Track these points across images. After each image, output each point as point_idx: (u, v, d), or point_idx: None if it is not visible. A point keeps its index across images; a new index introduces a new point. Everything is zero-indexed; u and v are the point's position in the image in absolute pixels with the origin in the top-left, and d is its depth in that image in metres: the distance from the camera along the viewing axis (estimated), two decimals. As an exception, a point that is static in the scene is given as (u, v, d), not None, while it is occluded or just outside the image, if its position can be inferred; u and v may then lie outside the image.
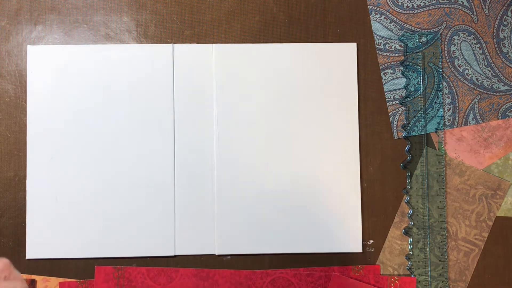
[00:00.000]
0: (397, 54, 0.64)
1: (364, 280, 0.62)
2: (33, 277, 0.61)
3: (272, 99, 0.63)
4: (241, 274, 0.62)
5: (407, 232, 0.62)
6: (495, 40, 0.65)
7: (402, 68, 0.64)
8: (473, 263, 0.63)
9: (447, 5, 0.65)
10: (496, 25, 0.65)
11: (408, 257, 0.62)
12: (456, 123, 0.64)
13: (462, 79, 0.64)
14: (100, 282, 0.61)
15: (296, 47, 0.64)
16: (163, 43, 0.64)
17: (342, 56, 0.64)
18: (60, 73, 0.63)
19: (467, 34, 0.65)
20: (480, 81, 0.64)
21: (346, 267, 0.62)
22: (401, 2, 0.65)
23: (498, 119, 0.64)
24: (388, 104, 0.64)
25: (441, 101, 0.64)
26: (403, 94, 0.64)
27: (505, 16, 0.65)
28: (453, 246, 0.63)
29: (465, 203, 0.63)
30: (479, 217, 0.63)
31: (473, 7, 0.65)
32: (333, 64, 0.64)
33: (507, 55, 0.65)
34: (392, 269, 0.63)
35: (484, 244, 0.63)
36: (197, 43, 0.64)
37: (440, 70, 0.64)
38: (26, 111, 0.62)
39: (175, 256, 0.62)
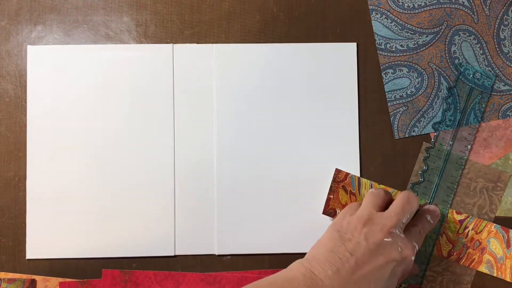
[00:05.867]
0: (398, 54, 0.64)
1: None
2: (33, 277, 0.61)
3: (272, 99, 0.63)
4: (248, 277, 0.62)
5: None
6: (495, 40, 0.65)
7: (447, 93, 0.64)
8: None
9: (448, 5, 0.65)
10: (496, 25, 0.65)
11: None
12: (456, 123, 0.63)
13: (462, 79, 0.64)
14: (107, 285, 0.61)
15: (296, 47, 0.64)
16: (163, 43, 0.64)
17: (342, 56, 0.64)
18: (60, 73, 0.63)
19: (467, 34, 0.65)
20: (480, 81, 0.64)
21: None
22: (402, 2, 0.65)
23: (498, 119, 0.64)
24: (388, 104, 0.64)
25: (442, 101, 0.64)
26: (404, 95, 0.64)
27: (505, 16, 0.65)
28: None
29: (466, 197, 0.63)
30: (481, 210, 0.63)
31: (474, 7, 0.65)
32: (333, 64, 0.64)
33: (508, 55, 0.64)
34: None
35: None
36: (197, 43, 0.64)
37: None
38: (26, 111, 0.62)
39: (175, 256, 0.62)
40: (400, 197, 0.55)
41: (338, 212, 0.60)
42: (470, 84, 0.64)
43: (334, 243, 0.52)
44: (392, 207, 0.55)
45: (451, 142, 0.63)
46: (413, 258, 0.53)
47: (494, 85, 0.64)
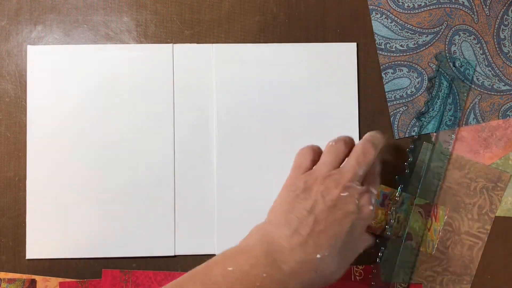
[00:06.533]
0: (398, 54, 0.64)
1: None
2: (33, 277, 0.61)
3: (272, 99, 0.63)
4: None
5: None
6: (495, 40, 0.65)
7: (428, 84, 0.64)
8: (477, 256, 0.63)
9: (448, 5, 0.65)
10: (496, 25, 0.65)
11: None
12: (456, 123, 0.64)
13: (463, 79, 0.64)
14: (107, 285, 0.61)
15: (296, 47, 0.64)
16: (163, 43, 0.64)
17: (342, 56, 0.64)
18: (60, 73, 0.63)
19: (467, 34, 0.65)
20: (480, 81, 0.64)
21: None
22: (401, 2, 0.65)
23: (498, 119, 0.64)
24: (388, 104, 0.64)
25: (442, 101, 0.64)
26: (404, 95, 0.64)
27: (505, 16, 0.65)
28: (457, 240, 0.63)
29: (466, 197, 0.63)
30: (481, 210, 0.63)
31: (474, 7, 0.65)
32: (333, 64, 0.64)
33: (508, 55, 0.64)
34: (397, 266, 0.62)
35: (486, 241, 0.63)
36: (197, 43, 0.64)
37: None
38: (26, 111, 0.62)
39: (175, 256, 0.62)
40: (354, 150, 0.55)
41: None
42: (469, 84, 0.64)
43: (291, 204, 0.52)
44: (348, 161, 0.54)
45: (448, 142, 0.63)
46: (370, 208, 0.52)
47: (494, 85, 0.64)
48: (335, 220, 0.50)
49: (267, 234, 0.51)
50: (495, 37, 0.65)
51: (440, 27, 0.65)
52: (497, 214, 0.63)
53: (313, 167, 0.55)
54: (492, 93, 0.64)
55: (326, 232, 0.50)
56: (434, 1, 0.65)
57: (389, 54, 0.64)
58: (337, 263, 0.50)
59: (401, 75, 0.64)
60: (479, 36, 0.65)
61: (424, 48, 0.64)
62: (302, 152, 0.56)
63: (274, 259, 0.49)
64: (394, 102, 0.64)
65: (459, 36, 0.65)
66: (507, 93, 0.64)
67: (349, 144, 0.56)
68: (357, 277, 0.62)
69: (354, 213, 0.51)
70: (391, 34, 0.65)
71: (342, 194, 0.51)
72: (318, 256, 0.49)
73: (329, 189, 0.51)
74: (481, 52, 0.64)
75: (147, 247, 0.62)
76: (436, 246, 0.62)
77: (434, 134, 0.63)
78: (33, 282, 0.61)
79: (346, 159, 0.55)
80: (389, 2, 0.65)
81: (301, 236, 0.49)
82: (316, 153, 0.56)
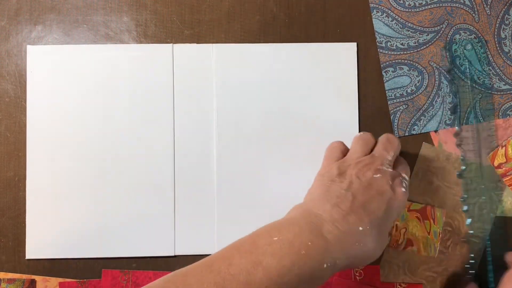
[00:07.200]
0: (398, 53, 0.64)
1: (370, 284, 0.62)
2: (33, 277, 0.61)
3: (272, 99, 0.63)
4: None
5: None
6: (496, 39, 0.64)
7: (448, 77, 0.64)
8: (478, 256, 0.63)
9: (449, 4, 0.65)
10: (497, 24, 0.65)
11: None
12: (457, 122, 0.63)
13: (463, 77, 0.64)
14: (107, 285, 0.61)
15: (296, 47, 0.64)
16: (163, 43, 0.64)
17: (342, 56, 0.64)
18: (60, 73, 0.63)
19: (468, 33, 0.64)
20: (481, 80, 0.64)
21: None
22: (403, 0, 0.65)
23: (498, 118, 0.64)
24: (389, 103, 0.64)
25: (442, 99, 0.64)
26: (405, 93, 0.64)
27: (506, 15, 0.65)
28: (457, 240, 0.63)
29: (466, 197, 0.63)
30: (481, 210, 0.63)
31: (475, 6, 0.65)
32: (333, 64, 0.64)
33: (508, 55, 0.64)
34: (397, 266, 0.62)
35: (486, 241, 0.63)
36: (197, 43, 0.64)
37: (443, 69, 0.64)
38: (26, 111, 0.62)
39: (175, 256, 0.62)
40: (380, 140, 0.57)
41: None
42: (470, 82, 0.64)
43: (327, 187, 0.53)
44: (376, 149, 0.56)
45: (449, 141, 0.63)
46: (403, 189, 0.53)
47: (495, 84, 0.64)
48: (372, 198, 0.52)
49: (308, 210, 0.52)
50: (495, 36, 0.64)
51: (441, 26, 0.64)
52: (497, 214, 0.63)
53: (344, 157, 0.57)
54: (493, 92, 0.64)
55: (365, 207, 0.51)
56: (435, 0, 0.65)
57: (389, 52, 0.64)
58: (377, 239, 0.51)
59: (402, 74, 0.64)
60: (479, 35, 0.64)
61: (424, 46, 0.64)
62: (332, 145, 0.59)
63: (318, 229, 0.50)
64: (394, 101, 0.64)
65: (459, 35, 0.64)
66: (508, 92, 0.64)
67: (374, 136, 0.58)
68: (357, 277, 0.62)
69: (389, 192, 0.52)
70: (392, 33, 0.64)
71: (375, 176, 0.53)
72: (361, 228, 0.50)
73: (363, 172, 0.53)
74: (482, 51, 0.64)
75: (147, 247, 0.62)
76: (438, 248, 0.62)
77: (434, 133, 0.63)
78: (33, 282, 0.61)
79: (375, 148, 0.57)
80: (390, 0, 0.65)
81: (342, 210, 0.51)
82: (345, 147, 0.58)
